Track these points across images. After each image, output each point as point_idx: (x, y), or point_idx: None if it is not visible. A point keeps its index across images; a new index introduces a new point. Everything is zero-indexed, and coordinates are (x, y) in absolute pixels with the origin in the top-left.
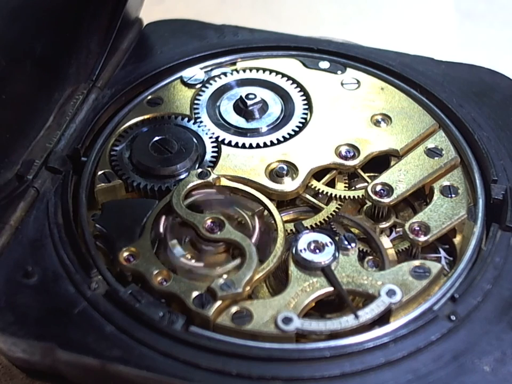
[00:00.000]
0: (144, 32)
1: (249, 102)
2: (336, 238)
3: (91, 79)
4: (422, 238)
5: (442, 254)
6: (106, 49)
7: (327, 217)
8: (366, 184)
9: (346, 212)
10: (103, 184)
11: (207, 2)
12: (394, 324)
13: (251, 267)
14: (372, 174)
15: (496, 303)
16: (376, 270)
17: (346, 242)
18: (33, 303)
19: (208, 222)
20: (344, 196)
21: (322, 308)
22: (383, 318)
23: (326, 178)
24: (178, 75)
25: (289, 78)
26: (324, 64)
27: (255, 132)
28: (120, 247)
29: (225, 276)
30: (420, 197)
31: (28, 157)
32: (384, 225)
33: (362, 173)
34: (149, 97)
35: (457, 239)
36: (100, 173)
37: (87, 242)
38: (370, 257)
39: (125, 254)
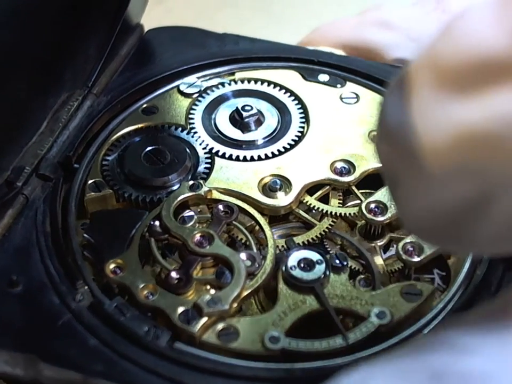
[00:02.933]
0: (145, 38)
1: (245, 114)
2: (328, 256)
3: (87, 85)
4: (415, 259)
5: (436, 275)
6: (104, 55)
7: (320, 234)
8: (359, 201)
9: (340, 229)
10: (92, 193)
11: (207, 2)
12: (383, 345)
13: (239, 284)
14: (366, 191)
15: None
16: (368, 289)
17: (337, 261)
18: (17, 313)
19: (197, 236)
20: (336, 213)
21: (311, 326)
22: (371, 340)
23: (319, 194)
24: (175, 84)
25: (287, 90)
26: (323, 77)
27: (250, 144)
28: (108, 258)
29: (212, 292)
30: None
31: (18, 163)
32: (377, 243)
33: (356, 190)
34: (144, 105)
35: (451, 260)
36: (90, 182)
37: (74, 252)
38: (362, 276)
39: (112, 266)
